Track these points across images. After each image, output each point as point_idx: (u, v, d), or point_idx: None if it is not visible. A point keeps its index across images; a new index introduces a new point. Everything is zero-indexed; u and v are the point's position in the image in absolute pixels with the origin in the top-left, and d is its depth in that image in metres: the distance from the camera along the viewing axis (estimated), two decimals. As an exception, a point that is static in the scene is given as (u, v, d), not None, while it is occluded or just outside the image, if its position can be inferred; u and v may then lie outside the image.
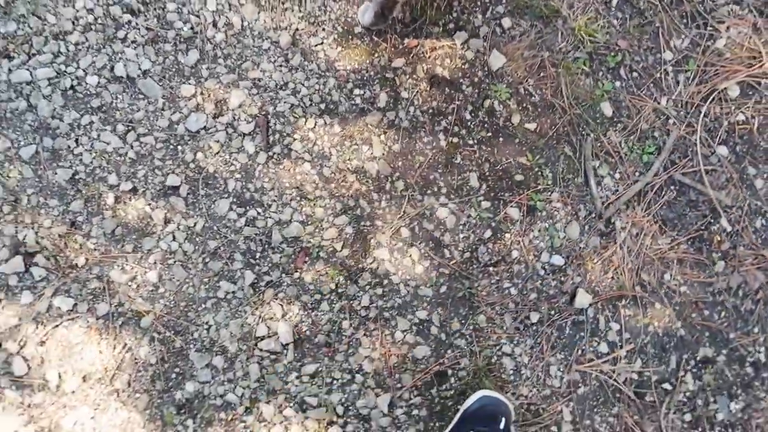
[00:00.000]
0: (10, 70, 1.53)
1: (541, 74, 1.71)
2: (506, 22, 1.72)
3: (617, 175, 1.70)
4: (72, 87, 1.55)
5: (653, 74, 1.74)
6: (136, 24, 1.59)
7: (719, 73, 1.73)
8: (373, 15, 1.57)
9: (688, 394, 1.63)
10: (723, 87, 1.73)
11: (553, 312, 1.63)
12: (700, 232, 1.69)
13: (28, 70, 1.54)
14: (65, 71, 1.55)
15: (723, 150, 1.73)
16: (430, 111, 1.67)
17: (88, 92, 1.56)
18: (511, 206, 1.65)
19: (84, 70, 1.56)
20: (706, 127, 1.73)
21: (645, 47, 1.75)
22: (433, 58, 1.69)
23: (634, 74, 1.74)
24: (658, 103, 1.73)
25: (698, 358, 1.65)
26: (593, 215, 1.67)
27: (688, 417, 1.62)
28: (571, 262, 1.65)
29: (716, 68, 1.74)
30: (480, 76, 1.70)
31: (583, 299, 1.61)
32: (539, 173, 1.68)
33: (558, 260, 1.64)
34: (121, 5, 1.59)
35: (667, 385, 1.62)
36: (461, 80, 1.69)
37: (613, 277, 1.65)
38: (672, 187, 1.71)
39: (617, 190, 1.69)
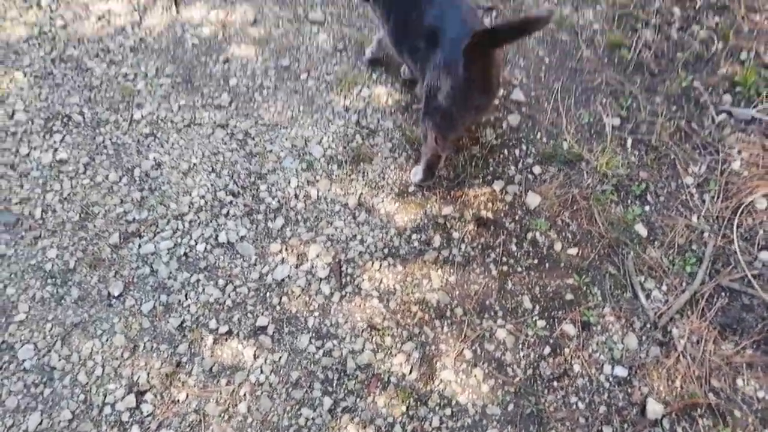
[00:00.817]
0: (140, 246, 2.24)
1: (575, 207, 2.23)
2: (536, 169, 2.31)
3: (664, 287, 2.06)
4: (185, 254, 2.21)
5: (678, 196, 2.21)
6: (236, 202, 2.31)
7: (741, 189, 2.18)
8: (422, 174, 2.22)
9: None
10: (749, 200, 2.15)
11: (626, 425, 1.86)
12: (764, 335, 1.95)
13: (153, 244, 2.24)
14: (181, 242, 2.24)
15: (765, 255, 2.07)
16: (480, 246, 2.18)
17: (198, 257, 2.21)
18: (566, 323, 2.02)
19: (195, 240, 2.24)
20: (742, 237, 2.11)
21: (665, 176, 2.26)
22: (477, 203, 2.26)
23: (661, 198, 2.22)
24: (690, 220, 2.16)
25: (798, 469, 1.76)
26: (648, 326, 2.00)
27: None
28: (635, 372, 1.93)
29: (737, 186, 2.19)
30: (520, 214, 2.23)
31: (654, 409, 1.84)
32: (588, 291, 2.08)
33: (621, 371, 1.93)
34: (225, 191, 2.33)
35: (769, 501, 1.73)
36: (504, 219, 2.23)
37: (681, 386, 1.90)
38: (722, 294, 2.03)
39: (667, 301, 2.03)
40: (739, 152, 2.20)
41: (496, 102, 2.37)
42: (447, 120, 1.95)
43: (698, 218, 2.11)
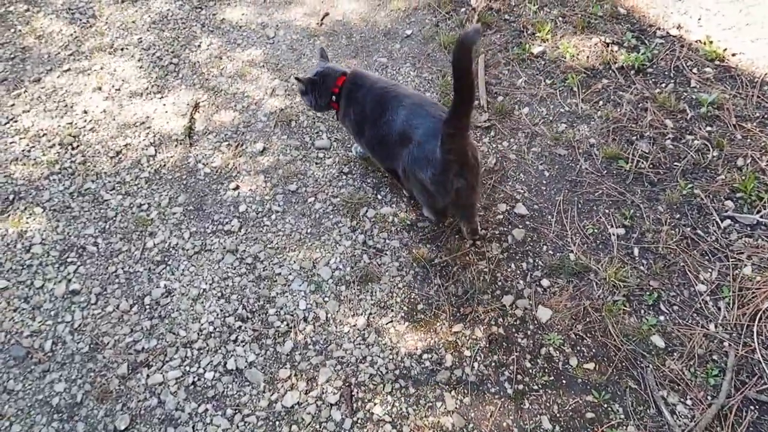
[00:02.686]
0: (148, 376, 2.27)
1: (587, 320, 2.25)
2: (545, 282, 2.37)
3: (689, 401, 2.03)
4: (193, 382, 2.24)
5: (693, 305, 2.23)
6: (245, 327, 2.36)
7: (757, 295, 2.21)
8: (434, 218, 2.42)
9: None
10: (766, 306, 2.18)
11: None
12: (801, 450, 1.89)
13: (161, 374, 2.27)
14: (189, 371, 2.27)
15: (791, 363, 2.06)
16: (493, 364, 2.19)
17: (206, 385, 2.23)
18: (589, 444, 1.98)
19: (204, 368, 2.27)
20: (764, 345, 2.11)
21: (677, 284, 2.30)
22: (488, 319, 2.30)
23: (675, 307, 2.24)
24: (707, 329, 2.17)
25: None
26: (676, 445, 1.95)
27: None
28: (667, 497, 1.85)
29: (752, 291, 2.22)
30: (532, 329, 2.26)
31: None
32: (609, 409, 2.05)
33: (653, 497, 1.86)
34: (234, 316, 2.40)
35: None
36: (516, 334, 2.25)
37: None
38: (751, 407, 1.99)
39: (694, 416, 1.99)
40: (749, 257, 2.25)
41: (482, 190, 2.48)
42: (438, 203, 2.23)
43: (716, 327, 2.12)
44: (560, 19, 3.31)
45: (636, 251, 2.36)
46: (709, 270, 2.27)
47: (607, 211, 2.50)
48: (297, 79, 2.45)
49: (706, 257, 2.31)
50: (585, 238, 2.42)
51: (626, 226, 2.44)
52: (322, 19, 3.49)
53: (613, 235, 2.41)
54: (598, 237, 2.43)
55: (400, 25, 3.42)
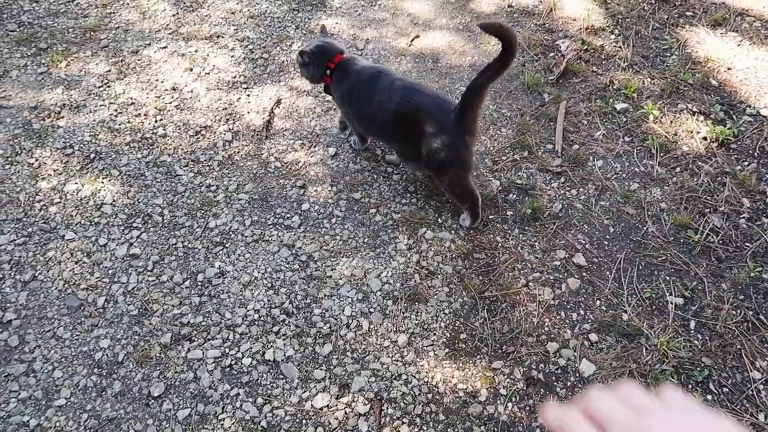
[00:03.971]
0: (188, 350, 2.33)
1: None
2: (593, 336, 2.33)
3: (725, 488, 1.96)
4: (230, 365, 2.28)
5: (744, 390, 2.16)
6: (289, 322, 2.41)
7: (814, 393, 2.12)
8: (470, 219, 2.55)
9: None
10: (822, 407, 2.09)
11: None
12: None
13: (201, 350, 2.33)
14: (228, 353, 2.32)
15: (840, 472, 1.96)
16: (527, 408, 2.16)
17: (242, 370, 2.27)
18: None
19: (242, 353, 2.31)
20: (814, 447, 2.02)
21: (730, 366, 2.23)
22: (529, 362, 2.28)
23: (724, 389, 2.17)
24: (756, 419, 2.09)
25: None
26: None
27: None
28: None
29: (809, 389, 2.13)
30: (573, 381, 2.23)
31: None
32: (640, 478, 1.99)
33: None
34: (280, 309, 2.44)
35: None
36: (555, 383, 2.22)
37: None
38: (791, 508, 1.91)
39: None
40: (811, 354, 2.17)
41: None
42: (460, 167, 2.43)
43: (765, 418, 2.05)
44: (649, 80, 3.30)
45: (692, 324, 2.30)
46: (767, 358, 2.19)
47: (668, 278, 2.46)
48: (301, 53, 2.61)
49: (766, 345, 2.24)
50: (641, 301, 2.38)
51: (686, 297, 2.39)
52: (411, 40, 3.57)
53: (671, 303, 2.36)
54: (654, 302, 2.38)
55: (487, 58, 3.47)
